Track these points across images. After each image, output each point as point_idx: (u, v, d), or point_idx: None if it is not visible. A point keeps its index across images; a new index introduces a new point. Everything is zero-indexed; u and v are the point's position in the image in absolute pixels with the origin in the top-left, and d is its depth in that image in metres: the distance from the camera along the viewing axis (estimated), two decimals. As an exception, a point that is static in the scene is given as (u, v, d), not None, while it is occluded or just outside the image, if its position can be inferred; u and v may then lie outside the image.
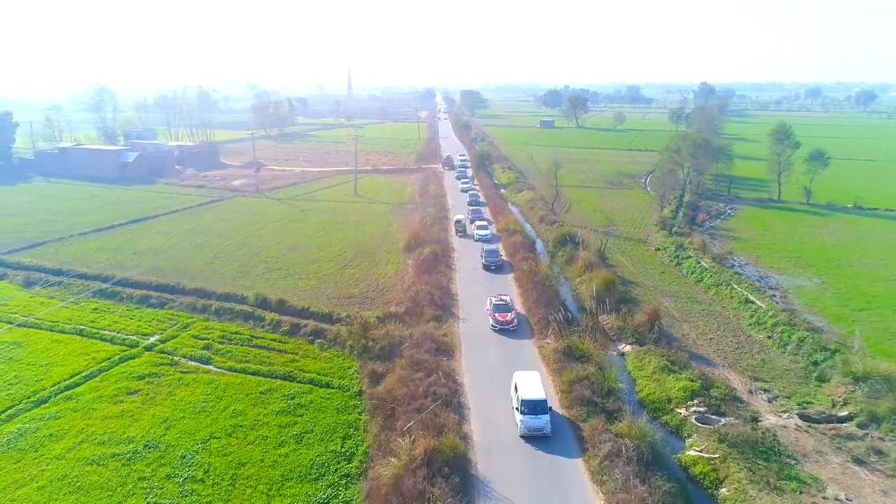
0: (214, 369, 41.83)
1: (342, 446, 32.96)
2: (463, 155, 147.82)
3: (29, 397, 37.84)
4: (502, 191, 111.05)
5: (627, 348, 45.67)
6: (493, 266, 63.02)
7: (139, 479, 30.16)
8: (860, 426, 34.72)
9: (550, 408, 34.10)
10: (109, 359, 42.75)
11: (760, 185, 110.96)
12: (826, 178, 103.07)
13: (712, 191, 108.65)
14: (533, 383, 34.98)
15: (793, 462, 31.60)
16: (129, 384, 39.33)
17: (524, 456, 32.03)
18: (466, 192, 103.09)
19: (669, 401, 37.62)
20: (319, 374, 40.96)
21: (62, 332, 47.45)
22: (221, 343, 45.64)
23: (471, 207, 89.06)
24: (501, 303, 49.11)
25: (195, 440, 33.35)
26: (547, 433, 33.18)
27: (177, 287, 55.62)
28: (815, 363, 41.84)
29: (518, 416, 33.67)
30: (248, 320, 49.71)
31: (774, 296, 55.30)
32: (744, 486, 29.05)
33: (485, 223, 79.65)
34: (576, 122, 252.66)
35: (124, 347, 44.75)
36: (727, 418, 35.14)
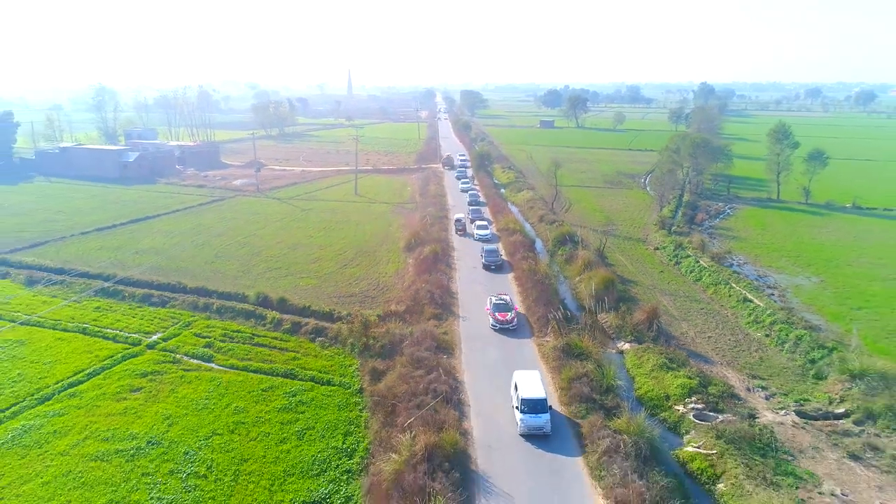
0: (216, 367, 42.14)
1: (343, 442, 33.29)
2: (463, 155, 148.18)
3: (33, 394, 38.18)
4: (502, 190, 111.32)
5: (626, 346, 45.98)
6: (493, 266, 63.29)
7: (143, 474, 30.50)
8: (856, 423, 35.06)
9: (550, 406, 34.35)
10: (112, 357, 43.09)
11: (759, 184, 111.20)
12: (825, 177, 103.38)
13: (711, 190, 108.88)
14: (533, 382, 35.21)
15: (789, 458, 31.93)
16: (132, 382, 39.66)
17: (523, 453, 32.33)
18: (466, 191, 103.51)
19: (668, 398, 37.93)
20: (321, 372, 41.29)
21: (65, 330, 47.78)
22: (223, 341, 45.94)
23: (471, 207, 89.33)
24: (501, 302, 49.39)
25: (198, 437, 33.68)
26: (547, 432, 33.41)
27: (178, 286, 55.96)
28: (813, 361, 42.15)
29: (518, 415, 33.88)
30: (250, 319, 50.03)
31: (773, 294, 55.59)
32: (741, 482, 29.34)
33: (485, 223, 79.94)
34: (576, 122, 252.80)
35: (127, 345, 45.10)
36: (725, 415, 35.44)
